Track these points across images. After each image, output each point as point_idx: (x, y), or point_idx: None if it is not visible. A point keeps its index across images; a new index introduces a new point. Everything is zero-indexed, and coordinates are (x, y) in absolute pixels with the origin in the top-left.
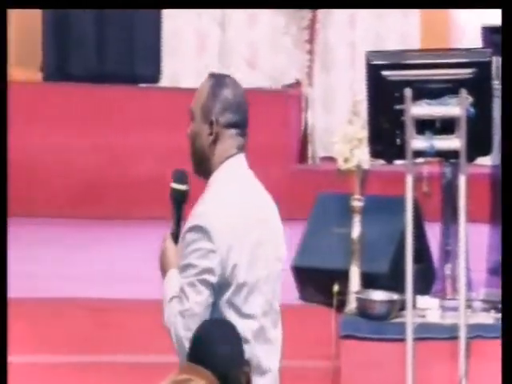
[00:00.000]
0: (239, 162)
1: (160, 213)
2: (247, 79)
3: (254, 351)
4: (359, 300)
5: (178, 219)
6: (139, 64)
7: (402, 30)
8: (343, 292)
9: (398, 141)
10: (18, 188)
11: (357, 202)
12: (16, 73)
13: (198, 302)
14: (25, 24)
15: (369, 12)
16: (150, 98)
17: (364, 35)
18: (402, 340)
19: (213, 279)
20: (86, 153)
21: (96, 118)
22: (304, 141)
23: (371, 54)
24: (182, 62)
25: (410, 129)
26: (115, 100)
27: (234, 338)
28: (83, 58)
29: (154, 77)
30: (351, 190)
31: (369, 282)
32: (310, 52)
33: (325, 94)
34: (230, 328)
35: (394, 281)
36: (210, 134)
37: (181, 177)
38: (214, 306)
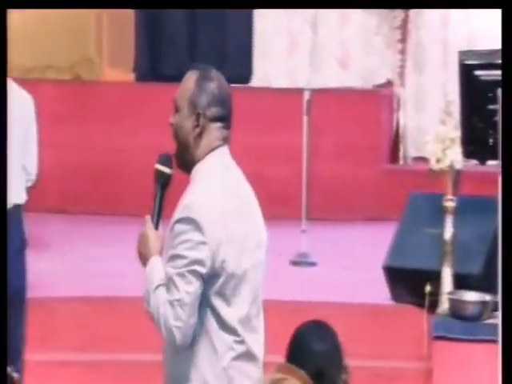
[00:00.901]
0: (223, 153)
1: None
2: (338, 79)
3: (242, 338)
4: (451, 301)
5: (160, 202)
6: (230, 64)
7: (494, 29)
8: (435, 293)
9: (491, 141)
10: (104, 187)
11: (449, 203)
12: (109, 73)
13: (189, 292)
14: (117, 25)
15: (460, 11)
16: (241, 98)
17: (456, 35)
18: (495, 341)
19: (203, 270)
20: None
21: None
22: (396, 141)
23: (464, 54)
24: (273, 63)
25: None
26: None
27: (333, 341)
28: (175, 59)
29: (245, 77)
30: (443, 190)
31: (461, 282)
32: (402, 52)
33: (417, 93)
34: (330, 331)
35: (486, 281)
36: (197, 126)
37: (166, 160)
38: (203, 295)
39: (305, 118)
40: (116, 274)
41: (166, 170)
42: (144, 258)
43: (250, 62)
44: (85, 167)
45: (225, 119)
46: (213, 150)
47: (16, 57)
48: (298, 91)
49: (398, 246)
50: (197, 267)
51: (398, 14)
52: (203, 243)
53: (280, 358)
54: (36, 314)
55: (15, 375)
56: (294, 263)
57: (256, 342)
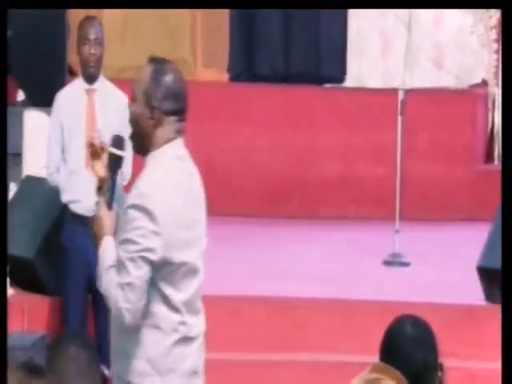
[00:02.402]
0: (178, 145)
1: (344, 212)
2: (433, 79)
3: (185, 320)
4: None
5: (113, 184)
6: (325, 64)
7: None
8: None
9: None
10: None
11: None
12: (203, 73)
13: (139, 276)
14: (212, 26)
15: None
16: (335, 98)
17: None
18: None
19: (153, 257)
20: (271, 152)
21: (281, 118)
22: (490, 141)
23: None
24: (367, 63)
25: None
26: (301, 100)
27: (430, 340)
28: (269, 59)
29: (340, 77)
30: None
31: None
32: (498, 51)
33: None
34: (427, 330)
35: None
36: (151, 118)
37: (118, 142)
38: (152, 280)
39: (399, 118)
40: (209, 272)
41: (119, 152)
42: (98, 238)
43: (344, 62)
44: None
45: (179, 113)
46: (168, 141)
47: (110, 57)
48: (393, 91)
49: (492, 246)
50: (148, 254)
51: (494, 13)
52: (156, 233)
53: (375, 359)
54: None
55: (106, 372)
56: (387, 263)
57: (197, 322)
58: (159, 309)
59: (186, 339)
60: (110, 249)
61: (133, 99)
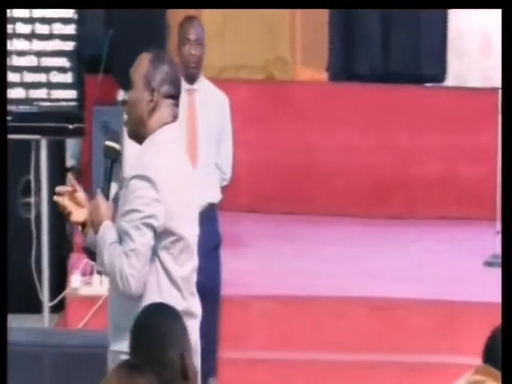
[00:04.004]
0: (174, 128)
1: (445, 212)
2: None
3: (185, 296)
4: None
5: (110, 176)
6: (425, 64)
7: None
8: None
9: None
10: (299, 186)
11: None
12: (301, 72)
13: (143, 242)
14: (311, 24)
15: None
16: (436, 97)
17: None
18: None
19: (156, 224)
20: (371, 152)
21: (381, 118)
22: None
23: None
24: (467, 62)
25: None
26: (401, 99)
27: None
28: (369, 58)
29: (440, 76)
30: None
31: None
32: None
33: None
34: None
35: None
36: (151, 101)
37: (115, 135)
38: (154, 250)
39: (499, 117)
40: (310, 273)
41: (116, 145)
42: (96, 225)
43: (445, 61)
44: (278, 167)
45: (176, 97)
46: (165, 124)
47: (209, 57)
48: (493, 91)
49: None
50: (151, 220)
51: None
52: (157, 200)
53: (475, 360)
54: (229, 312)
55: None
56: (488, 264)
57: (195, 303)
58: (160, 281)
59: (188, 313)
60: (110, 230)
61: (131, 86)
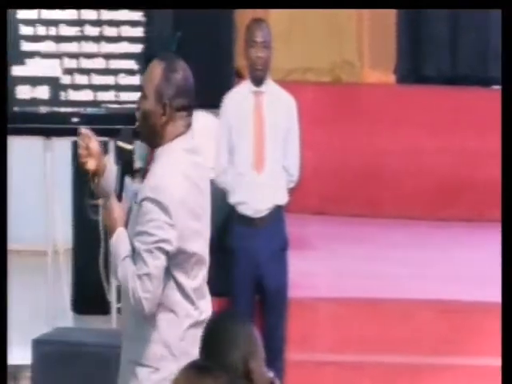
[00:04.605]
0: (186, 139)
1: None
2: None
3: (197, 305)
4: None
5: (122, 177)
6: (492, 66)
7: None
8: None
9: None
10: (365, 188)
11: None
12: (369, 75)
13: (156, 266)
14: (379, 27)
15: None
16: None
17: None
18: None
19: (169, 248)
20: (438, 154)
21: (449, 120)
22: None
23: None
24: None
25: None
26: (468, 102)
27: None
28: (437, 61)
29: None
30: None
31: None
32: None
33: None
34: None
35: None
36: (163, 115)
37: (127, 136)
38: (167, 269)
39: None
40: (377, 275)
41: (128, 146)
42: (110, 229)
43: None
44: (345, 169)
45: (189, 108)
46: (178, 135)
47: (276, 59)
48: None
49: None
50: (164, 245)
51: None
52: (170, 224)
53: None
54: (297, 314)
55: (270, 375)
56: None
57: (206, 307)
58: (174, 296)
59: (198, 323)
60: (123, 240)
61: (143, 96)
